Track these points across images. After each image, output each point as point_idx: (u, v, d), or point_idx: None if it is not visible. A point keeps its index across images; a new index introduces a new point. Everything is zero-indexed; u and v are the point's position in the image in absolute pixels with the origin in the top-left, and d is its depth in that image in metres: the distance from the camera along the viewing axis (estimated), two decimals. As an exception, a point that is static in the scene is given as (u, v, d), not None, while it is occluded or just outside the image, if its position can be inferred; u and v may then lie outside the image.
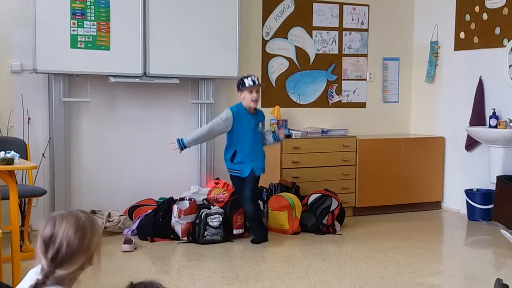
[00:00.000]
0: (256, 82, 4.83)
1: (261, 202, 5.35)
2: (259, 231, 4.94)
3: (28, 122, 5.08)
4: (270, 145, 5.20)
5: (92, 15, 5.02)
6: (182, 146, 4.78)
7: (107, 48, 5.10)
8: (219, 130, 4.87)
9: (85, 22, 5.00)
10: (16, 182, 3.90)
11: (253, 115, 4.89)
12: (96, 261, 1.94)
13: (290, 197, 5.32)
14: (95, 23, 5.04)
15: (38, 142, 5.12)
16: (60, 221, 1.86)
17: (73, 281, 1.94)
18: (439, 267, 4.50)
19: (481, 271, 4.28)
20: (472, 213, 5.91)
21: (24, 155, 4.53)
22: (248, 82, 4.80)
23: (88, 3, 5.00)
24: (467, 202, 5.94)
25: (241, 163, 4.87)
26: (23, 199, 4.57)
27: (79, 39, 5.00)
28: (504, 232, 4.83)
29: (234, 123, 4.82)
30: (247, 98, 4.82)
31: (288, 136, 5.76)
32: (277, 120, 5.95)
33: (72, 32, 4.97)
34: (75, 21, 4.97)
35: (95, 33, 5.05)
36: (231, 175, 5.03)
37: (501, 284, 3.24)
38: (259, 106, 5.18)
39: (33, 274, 1.93)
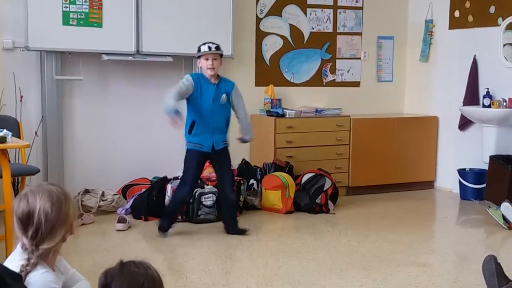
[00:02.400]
0: (212, 49, 4.39)
1: (254, 182, 5.36)
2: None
3: (21, 100, 5.04)
4: (241, 126, 4.64)
5: (84, -9, 4.97)
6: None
7: (99, 25, 5.05)
8: (186, 90, 4.33)
9: (77, -1, 4.95)
10: (9, 161, 3.89)
11: (214, 85, 4.43)
12: (75, 229, 1.95)
13: (284, 176, 5.32)
14: None
15: (30, 121, 5.10)
16: (34, 197, 1.84)
17: (56, 253, 1.93)
18: (431, 246, 4.54)
19: (473, 250, 4.31)
20: (464, 193, 5.95)
21: (17, 134, 4.51)
22: (203, 48, 4.39)
23: (80, -20, 4.94)
24: (460, 182, 5.97)
25: (200, 135, 4.44)
26: (16, 178, 4.57)
27: (71, 16, 4.94)
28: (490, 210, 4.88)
29: (194, 90, 4.37)
30: (203, 66, 4.41)
31: (282, 116, 5.75)
32: (271, 99, 5.93)
33: (64, 9, 4.91)
34: (67, -2, 4.92)
35: (87, 10, 4.99)
36: (188, 150, 4.50)
37: (496, 262, 3.20)
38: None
39: (16, 254, 1.92)
